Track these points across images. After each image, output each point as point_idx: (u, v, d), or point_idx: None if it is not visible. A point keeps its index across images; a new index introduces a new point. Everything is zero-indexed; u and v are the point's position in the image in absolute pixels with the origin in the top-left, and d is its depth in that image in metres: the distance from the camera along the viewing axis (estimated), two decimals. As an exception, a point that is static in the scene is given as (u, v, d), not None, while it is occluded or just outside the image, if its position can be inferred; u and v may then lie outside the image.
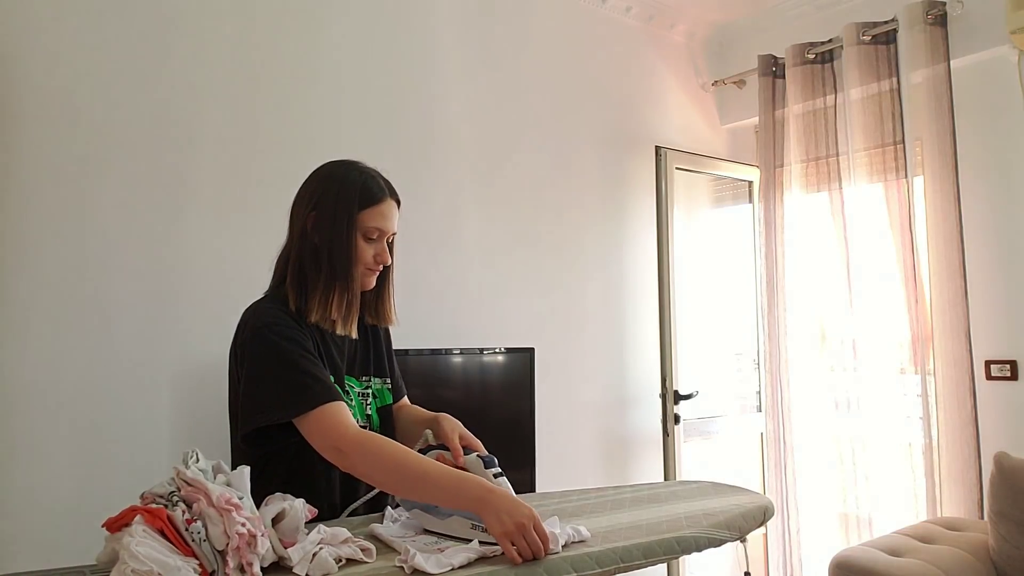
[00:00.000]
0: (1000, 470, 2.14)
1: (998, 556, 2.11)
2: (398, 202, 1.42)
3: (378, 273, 1.41)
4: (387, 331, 1.54)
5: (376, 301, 1.46)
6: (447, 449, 1.30)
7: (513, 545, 1.03)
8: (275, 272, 1.42)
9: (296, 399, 1.21)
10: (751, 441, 3.34)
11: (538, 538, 1.03)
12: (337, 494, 1.36)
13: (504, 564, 1.03)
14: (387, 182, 1.41)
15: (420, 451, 1.30)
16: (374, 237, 1.36)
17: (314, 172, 1.41)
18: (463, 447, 1.30)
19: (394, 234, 1.41)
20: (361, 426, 1.37)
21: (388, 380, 1.49)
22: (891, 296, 2.76)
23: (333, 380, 1.30)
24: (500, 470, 1.21)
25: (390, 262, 1.41)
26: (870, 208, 2.84)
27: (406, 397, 1.56)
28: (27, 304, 1.75)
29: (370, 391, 1.44)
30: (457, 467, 1.24)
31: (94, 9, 1.88)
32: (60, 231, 1.80)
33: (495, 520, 1.05)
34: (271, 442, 1.27)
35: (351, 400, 1.38)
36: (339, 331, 1.35)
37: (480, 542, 1.08)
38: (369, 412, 1.42)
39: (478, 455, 1.25)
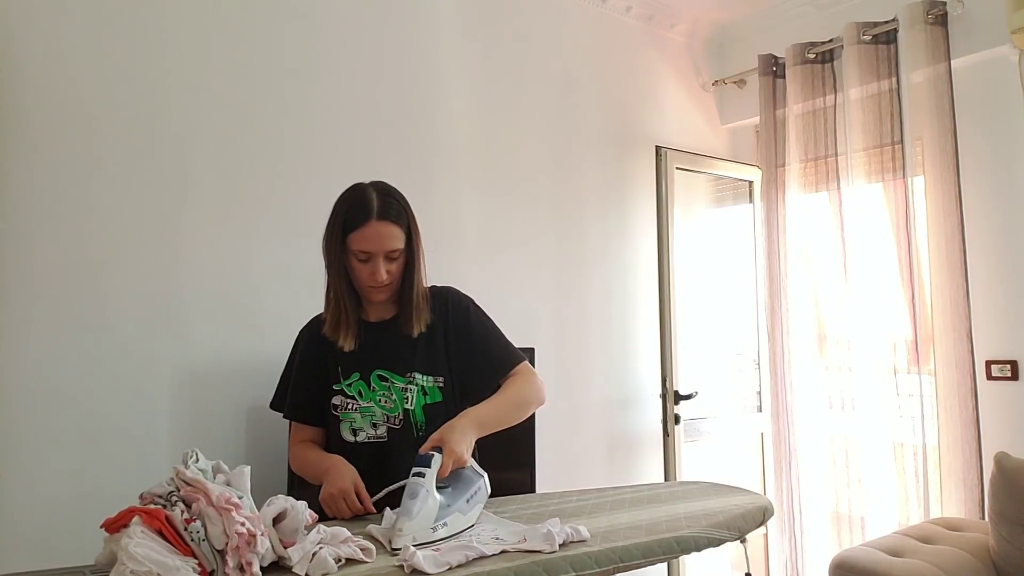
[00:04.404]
0: (1001, 470, 2.14)
1: (999, 557, 2.11)
2: (395, 220, 1.45)
3: (383, 287, 1.48)
4: (460, 327, 1.55)
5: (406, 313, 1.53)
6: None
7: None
8: None
9: (278, 402, 1.65)
10: (751, 441, 3.33)
11: (346, 504, 1.32)
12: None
13: (503, 563, 1.03)
14: (383, 202, 1.45)
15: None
16: (362, 259, 1.45)
17: None
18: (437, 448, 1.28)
19: (395, 250, 1.45)
20: (396, 417, 1.48)
21: (440, 379, 1.51)
22: (890, 296, 2.76)
23: (357, 376, 1.49)
24: (419, 470, 1.20)
25: (383, 279, 1.45)
26: (869, 208, 2.84)
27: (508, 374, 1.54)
28: (26, 304, 1.75)
29: (414, 386, 1.49)
30: None
31: (94, 9, 1.88)
32: (59, 231, 1.80)
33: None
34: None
35: (389, 392, 1.49)
36: (339, 342, 1.50)
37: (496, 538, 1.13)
38: (409, 407, 1.48)
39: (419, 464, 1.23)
